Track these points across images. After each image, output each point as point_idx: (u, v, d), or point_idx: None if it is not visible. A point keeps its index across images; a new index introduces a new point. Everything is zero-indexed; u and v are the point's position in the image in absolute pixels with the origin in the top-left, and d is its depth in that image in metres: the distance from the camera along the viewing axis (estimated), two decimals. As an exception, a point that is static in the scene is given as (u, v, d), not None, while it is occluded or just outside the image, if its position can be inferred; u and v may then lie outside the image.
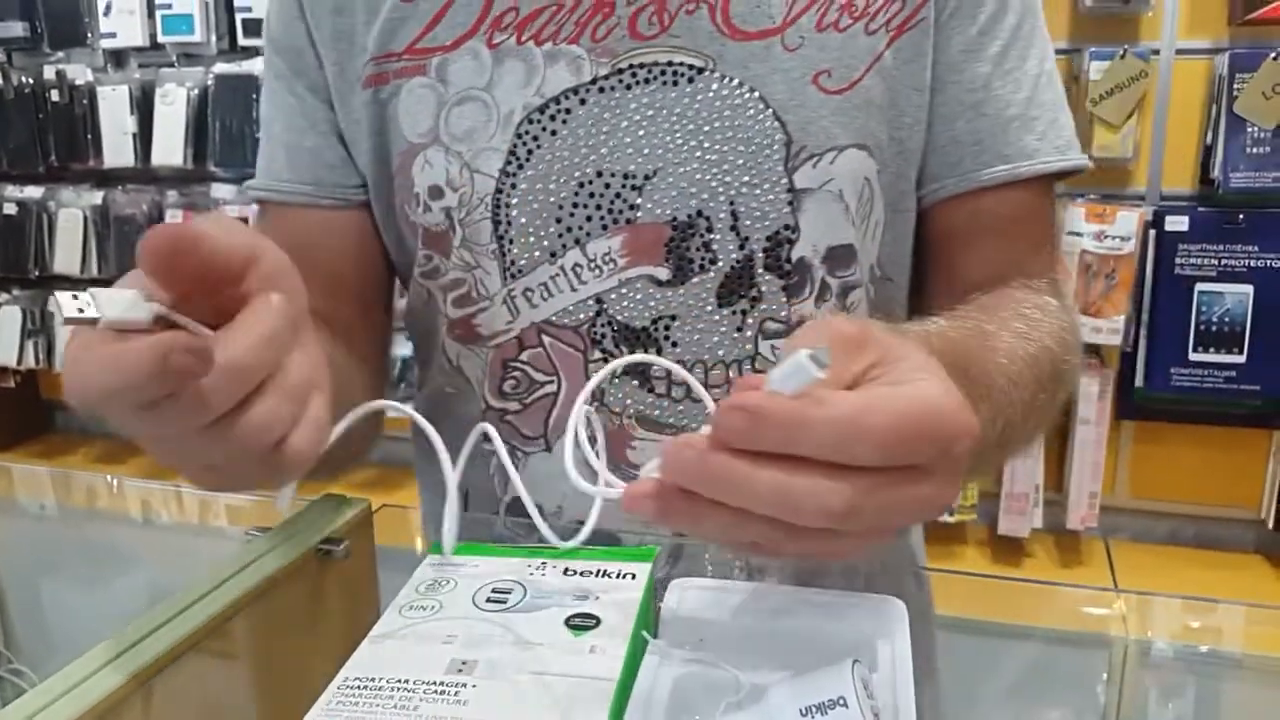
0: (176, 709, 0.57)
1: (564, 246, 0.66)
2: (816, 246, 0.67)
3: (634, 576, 0.53)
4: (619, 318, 0.67)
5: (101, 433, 2.65)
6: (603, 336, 0.67)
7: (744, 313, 0.67)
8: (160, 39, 2.22)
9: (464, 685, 0.44)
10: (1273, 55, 1.78)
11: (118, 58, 2.34)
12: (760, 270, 0.66)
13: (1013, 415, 0.58)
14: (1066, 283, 0.69)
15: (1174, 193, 1.93)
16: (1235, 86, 1.81)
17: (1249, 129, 1.82)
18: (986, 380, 0.55)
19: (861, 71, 0.65)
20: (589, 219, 0.66)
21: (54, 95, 2.31)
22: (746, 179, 0.65)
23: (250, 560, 0.64)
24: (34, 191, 2.40)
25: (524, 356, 0.69)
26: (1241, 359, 1.86)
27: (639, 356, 0.65)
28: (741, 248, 0.66)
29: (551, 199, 0.66)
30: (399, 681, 0.44)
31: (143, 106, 2.27)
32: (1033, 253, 0.71)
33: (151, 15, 2.22)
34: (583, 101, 0.65)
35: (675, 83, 0.65)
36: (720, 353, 0.67)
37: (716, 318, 0.67)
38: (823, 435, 0.36)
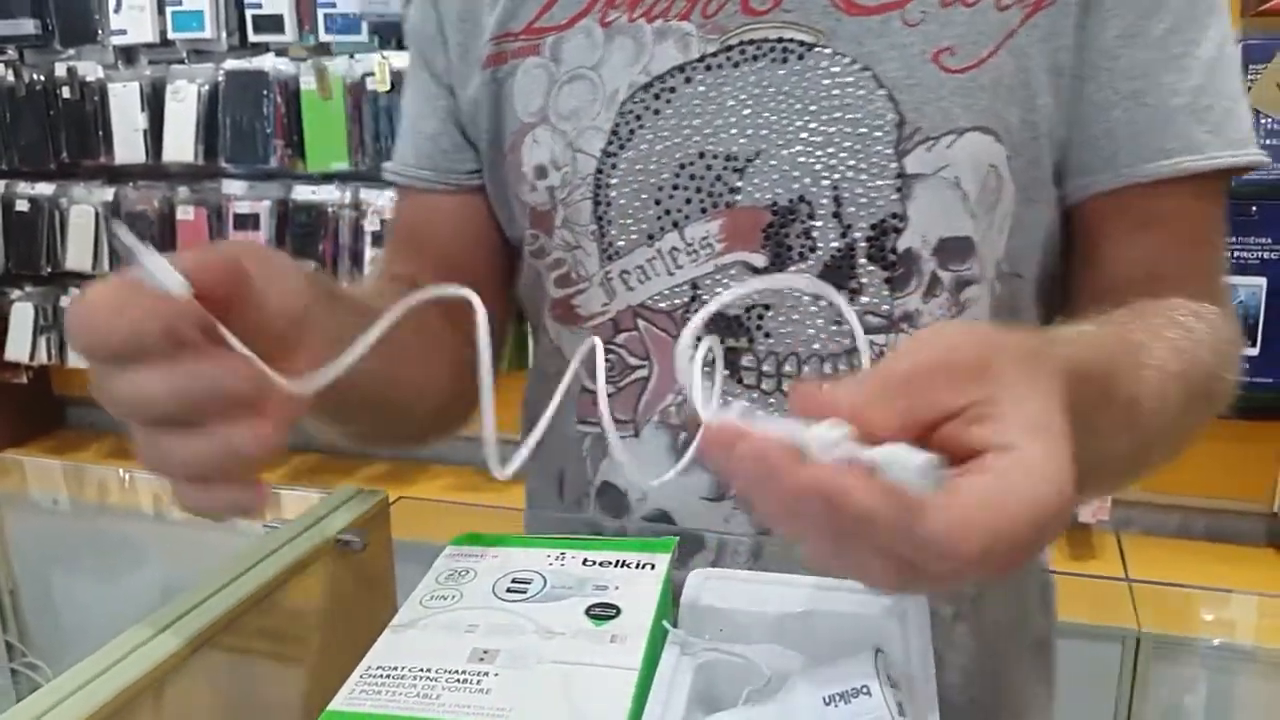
0: (194, 702, 0.57)
1: (662, 229, 0.65)
2: (926, 237, 0.62)
3: (653, 567, 0.53)
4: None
5: (113, 429, 2.66)
6: None
7: None
8: (170, 35, 2.23)
9: (486, 674, 0.44)
10: (1286, 46, 1.77)
11: (128, 54, 2.34)
12: (862, 260, 0.63)
13: (1156, 436, 0.55)
14: (1230, 290, 0.63)
15: (1186, 185, 1.92)
16: (1249, 78, 1.81)
17: (1263, 121, 1.81)
18: (1131, 404, 0.51)
19: (990, 49, 0.61)
20: (688, 201, 0.64)
21: (65, 92, 2.32)
22: (852, 163, 0.62)
23: (267, 553, 0.64)
24: (45, 188, 2.40)
25: (619, 339, 0.68)
26: (1255, 351, 1.85)
27: (746, 290, 0.59)
28: (843, 236, 0.62)
29: (651, 180, 0.65)
30: (421, 670, 0.44)
31: (153, 103, 2.27)
32: (1194, 256, 0.66)
33: (162, 12, 2.22)
34: (688, 80, 0.63)
35: (784, 60, 0.62)
36: (815, 346, 0.64)
37: (813, 309, 0.63)
38: (906, 544, 0.34)
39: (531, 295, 0.75)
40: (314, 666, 0.64)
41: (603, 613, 0.48)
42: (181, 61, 2.28)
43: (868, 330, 0.63)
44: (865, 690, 0.39)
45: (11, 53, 2.39)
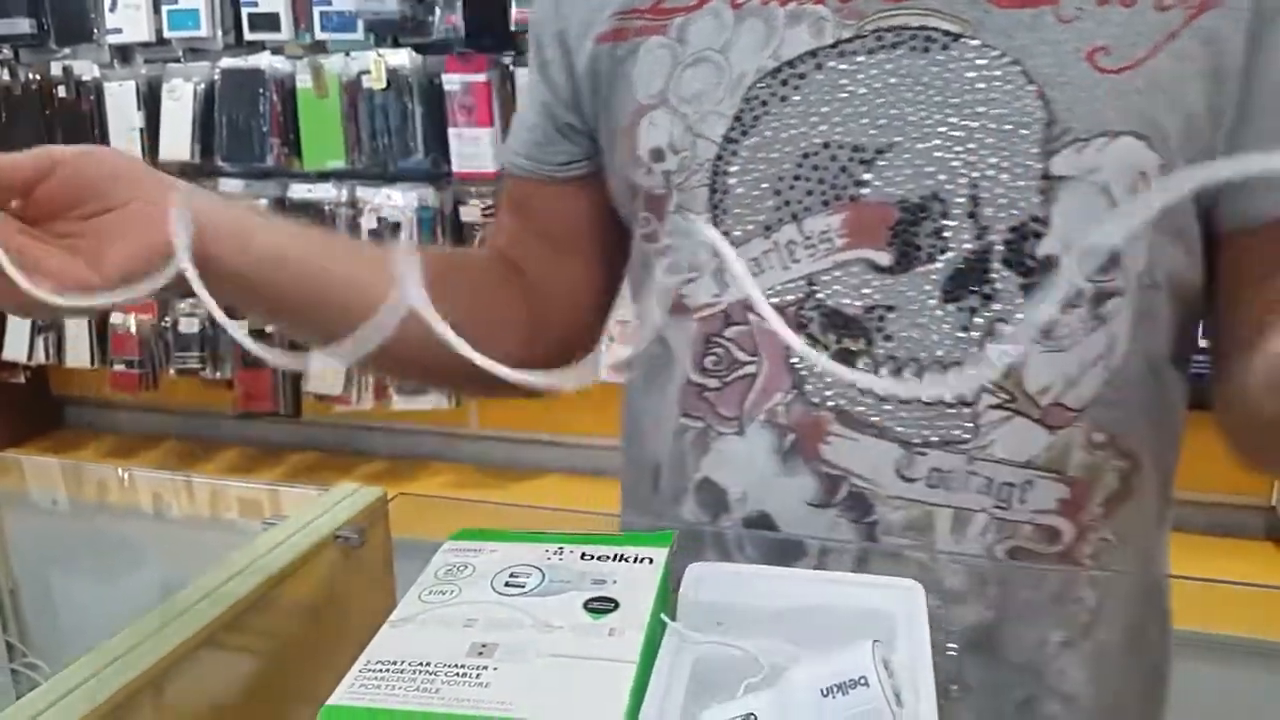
0: (194, 700, 0.57)
1: (780, 221, 0.62)
2: (1069, 244, 0.58)
3: (651, 561, 0.53)
4: (829, 302, 0.62)
5: (112, 428, 2.66)
6: (809, 320, 0.62)
7: (972, 310, 0.60)
8: (166, 34, 2.22)
9: (484, 668, 0.44)
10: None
11: (124, 53, 2.34)
12: (997, 265, 0.59)
13: None
14: None
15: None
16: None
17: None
18: None
19: (1148, 50, 0.57)
20: (809, 193, 0.61)
21: (61, 91, 2.32)
22: (994, 160, 0.58)
23: (266, 551, 0.65)
24: (42, 188, 2.40)
25: (728, 333, 0.65)
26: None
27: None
28: (979, 238, 0.59)
29: (772, 169, 0.62)
30: (420, 664, 0.44)
31: (149, 102, 2.27)
32: None
33: (157, 10, 2.22)
34: (819, 66, 0.60)
35: (926, 49, 0.59)
36: (939, 353, 0.60)
37: (940, 313, 0.60)
38: None
39: (638, 278, 0.73)
40: (313, 663, 0.64)
41: (601, 606, 0.49)
42: (177, 60, 2.28)
43: (997, 339, 0.60)
44: (863, 681, 0.39)
45: (7, 52, 2.39)
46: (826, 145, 0.61)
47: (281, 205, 2.24)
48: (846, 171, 0.61)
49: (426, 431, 2.33)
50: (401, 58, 2.04)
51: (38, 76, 2.34)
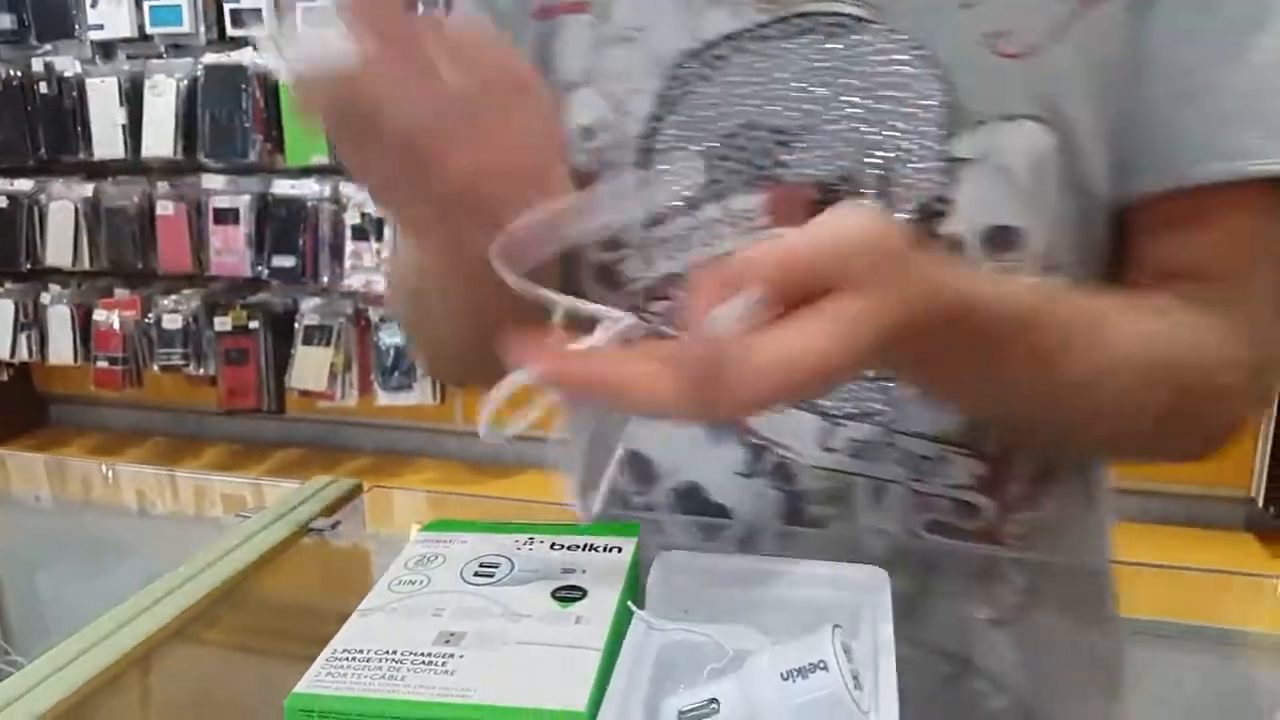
0: (166, 688, 0.57)
1: (703, 199, 0.63)
2: (973, 224, 0.60)
3: (619, 550, 0.53)
4: None
5: (97, 425, 2.65)
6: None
7: None
8: (148, 30, 2.22)
9: (451, 656, 0.44)
10: None
11: (106, 49, 2.33)
12: None
13: (1073, 390, 0.54)
14: (1266, 310, 0.63)
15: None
16: None
17: None
18: (1027, 345, 0.51)
19: (1047, 37, 0.58)
20: (732, 173, 0.62)
21: (42, 87, 2.31)
22: (902, 143, 0.60)
23: (240, 541, 0.65)
24: (24, 184, 2.40)
25: (657, 308, 0.66)
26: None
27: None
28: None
29: (696, 148, 0.63)
30: (387, 653, 0.44)
31: (132, 98, 2.27)
32: (1227, 264, 0.62)
33: (139, 6, 2.22)
34: (739, 49, 0.62)
35: (836, 33, 0.60)
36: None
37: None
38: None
39: (571, 255, 0.72)
40: (287, 652, 0.64)
41: (569, 595, 0.49)
42: (160, 56, 2.27)
43: None
44: (822, 665, 0.40)
45: (-12, 48, 2.39)
46: (749, 126, 0.62)
47: (264, 201, 2.24)
48: (768, 153, 0.62)
49: (411, 427, 2.33)
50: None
51: (19, 73, 2.33)
